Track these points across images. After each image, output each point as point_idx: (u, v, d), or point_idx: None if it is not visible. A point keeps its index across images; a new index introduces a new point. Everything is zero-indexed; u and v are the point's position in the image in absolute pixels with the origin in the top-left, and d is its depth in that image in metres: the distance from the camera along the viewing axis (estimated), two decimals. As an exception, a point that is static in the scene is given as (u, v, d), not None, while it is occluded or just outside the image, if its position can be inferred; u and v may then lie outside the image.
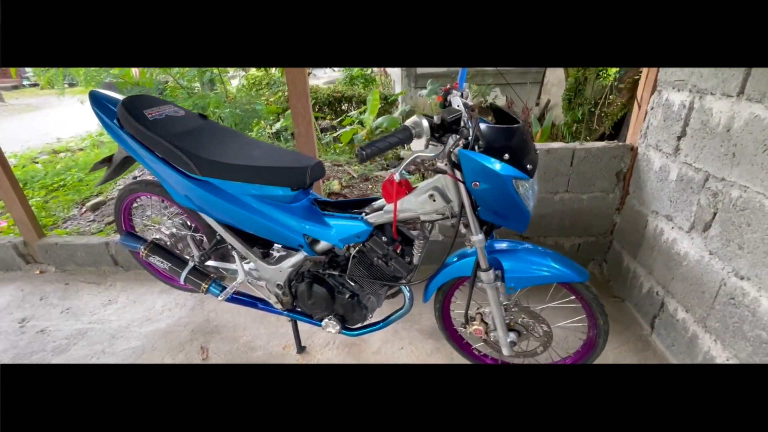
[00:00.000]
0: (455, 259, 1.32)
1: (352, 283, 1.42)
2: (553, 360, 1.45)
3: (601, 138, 4.85)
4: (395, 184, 1.22)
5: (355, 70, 8.20)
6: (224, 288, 1.58)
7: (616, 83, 4.14)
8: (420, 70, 8.38)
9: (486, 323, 1.35)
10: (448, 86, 1.27)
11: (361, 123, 5.00)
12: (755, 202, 1.18)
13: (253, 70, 6.93)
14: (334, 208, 1.43)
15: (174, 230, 1.74)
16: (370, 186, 3.16)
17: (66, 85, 4.53)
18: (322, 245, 1.39)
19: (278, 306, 1.56)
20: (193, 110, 2.01)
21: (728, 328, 1.28)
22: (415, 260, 1.32)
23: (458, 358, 1.61)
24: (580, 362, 1.36)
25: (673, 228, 1.56)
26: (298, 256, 1.43)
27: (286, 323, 1.88)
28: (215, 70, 6.01)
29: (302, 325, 1.72)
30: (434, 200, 1.21)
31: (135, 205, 1.91)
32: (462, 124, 1.08)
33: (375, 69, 8.29)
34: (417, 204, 1.24)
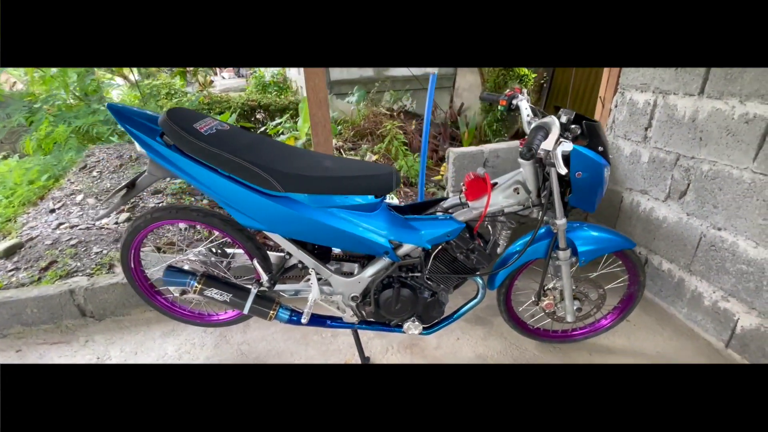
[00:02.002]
0: (522, 247, 1.47)
1: (430, 282, 1.47)
2: (597, 319, 1.71)
3: (516, 134, 5.61)
4: (489, 181, 1.33)
5: (269, 78, 7.87)
6: (291, 311, 1.47)
7: (523, 85, 4.85)
8: (336, 77, 8.43)
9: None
10: (510, 91, 1.43)
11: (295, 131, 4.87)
12: (724, 172, 1.60)
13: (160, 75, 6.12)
14: (402, 212, 1.47)
15: (204, 258, 1.54)
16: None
17: None
18: (404, 249, 1.42)
19: (353, 319, 1.52)
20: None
21: (711, 268, 1.70)
22: (499, 250, 1.44)
23: (511, 337, 1.78)
24: (623, 314, 1.65)
25: (648, 199, 1.98)
26: (380, 264, 1.43)
27: (333, 339, 1.82)
28: (102, 77, 5.22)
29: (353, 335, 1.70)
30: (518, 192, 1.36)
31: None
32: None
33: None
34: (502, 197, 1.37)
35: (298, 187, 1.26)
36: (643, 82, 1.93)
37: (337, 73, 8.33)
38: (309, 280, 1.44)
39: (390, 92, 6.90)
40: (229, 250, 1.60)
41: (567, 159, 1.26)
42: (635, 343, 1.75)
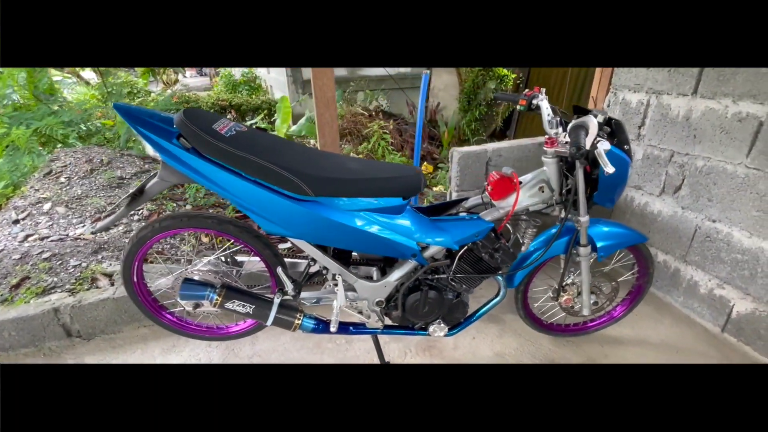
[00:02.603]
0: (544, 245, 1.49)
1: (454, 283, 1.46)
2: (608, 311, 1.77)
3: (493, 133, 5.75)
4: (517, 180, 1.34)
5: (239, 77, 7.60)
6: (316, 319, 1.41)
7: (504, 87, 4.98)
8: (307, 76, 8.31)
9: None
10: (530, 91, 1.44)
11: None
12: (719, 168, 1.71)
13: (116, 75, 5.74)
14: (426, 213, 1.45)
15: (214, 268, 1.45)
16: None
17: None
18: (430, 251, 1.40)
19: (378, 324, 1.48)
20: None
21: (707, 258, 1.81)
22: (523, 248, 1.46)
23: (525, 334, 1.81)
24: (632, 305, 1.72)
25: (643, 195, 2.08)
26: (407, 267, 1.40)
27: (348, 345, 1.77)
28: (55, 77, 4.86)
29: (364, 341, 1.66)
30: (543, 191, 1.38)
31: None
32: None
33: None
34: (527, 196, 1.38)
35: (328, 191, 1.21)
36: (636, 83, 2.02)
37: (309, 73, 8.18)
38: (334, 286, 1.39)
39: (366, 92, 6.88)
40: (240, 258, 1.52)
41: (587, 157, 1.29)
42: (640, 332, 1.83)
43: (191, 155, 1.15)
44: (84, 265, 2.22)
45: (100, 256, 2.30)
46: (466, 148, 2.13)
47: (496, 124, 5.46)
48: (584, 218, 1.37)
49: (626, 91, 2.09)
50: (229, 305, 1.29)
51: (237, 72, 8.15)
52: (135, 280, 1.44)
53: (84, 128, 3.90)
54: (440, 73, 6.87)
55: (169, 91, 7.63)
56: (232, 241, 1.43)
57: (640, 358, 1.68)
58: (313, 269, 1.45)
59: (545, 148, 1.35)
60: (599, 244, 1.46)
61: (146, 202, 1.35)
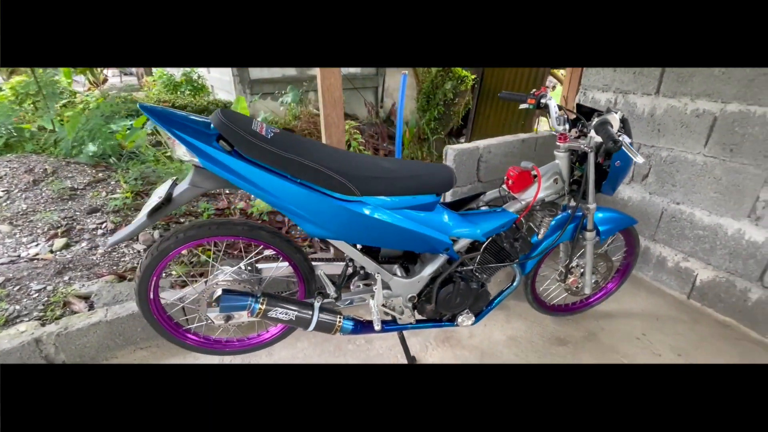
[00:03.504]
0: (554, 232, 1.62)
1: (477, 274, 1.54)
2: (601, 287, 1.96)
3: (451, 132, 5.99)
4: (539, 173, 1.44)
5: (180, 76, 7.07)
6: (354, 320, 1.40)
7: (463, 87, 5.21)
8: (256, 76, 8.02)
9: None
10: (538, 91, 1.56)
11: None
12: (681, 157, 1.97)
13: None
14: (449, 207, 1.51)
15: (236, 276, 1.38)
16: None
17: None
18: (460, 244, 1.46)
19: (410, 320, 1.51)
20: None
21: (673, 235, 2.08)
22: (540, 236, 1.57)
23: (530, 317, 1.95)
24: (622, 280, 1.93)
25: (613, 183, 2.33)
26: (438, 261, 1.44)
27: (369, 345, 1.77)
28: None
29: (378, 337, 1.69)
30: (557, 182, 1.50)
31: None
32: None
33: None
34: (543, 188, 1.49)
35: (372, 190, 1.21)
36: (605, 84, 2.26)
37: (257, 72, 7.87)
38: (365, 286, 1.40)
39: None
40: (259, 266, 1.46)
41: (599, 150, 1.43)
42: (623, 305, 2.06)
43: (233, 158, 1.09)
44: (50, 288, 1.98)
45: (66, 278, 2.06)
46: (459, 146, 2.22)
47: (454, 123, 5.70)
48: (592, 205, 1.51)
49: (595, 91, 2.32)
50: (272, 313, 1.24)
51: (177, 71, 7.58)
52: (151, 296, 1.32)
53: (4, 132, 3.39)
54: (393, 73, 6.99)
55: (97, 91, 6.89)
56: (261, 247, 1.37)
57: (629, 327, 1.89)
58: (349, 271, 1.43)
59: (558, 143, 1.48)
60: (601, 228, 1.62)
61: (174, 210, 1.24)
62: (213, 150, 1.07)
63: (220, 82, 8.83)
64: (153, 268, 1.27)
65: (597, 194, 1.51)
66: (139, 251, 2.33)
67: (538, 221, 1.56)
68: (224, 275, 1.35)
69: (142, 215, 1.16)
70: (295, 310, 1.28)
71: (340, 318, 1.36)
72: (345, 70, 7.35)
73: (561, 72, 5.52)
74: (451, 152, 2.21)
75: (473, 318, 1.56)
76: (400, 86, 2.85)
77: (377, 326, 1.39)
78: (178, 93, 6.86)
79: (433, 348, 1.77)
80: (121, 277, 2.10)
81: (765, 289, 1.78)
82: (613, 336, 1.85)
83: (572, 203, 1.56)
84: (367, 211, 1.21)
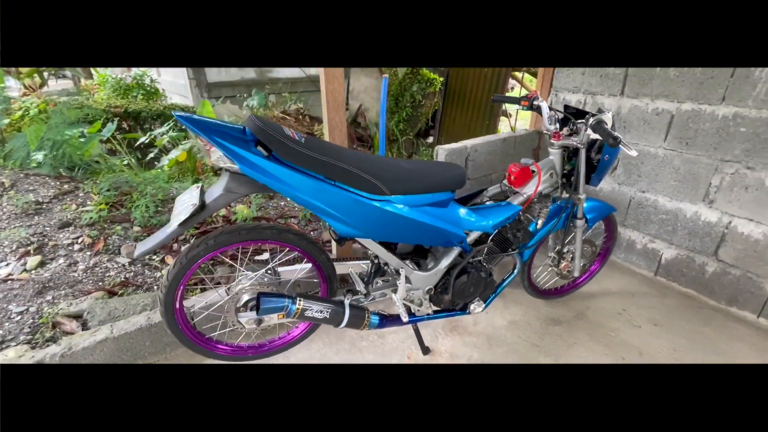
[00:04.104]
0: (549, 222, 1.77)
1: (485, 263, 1.66)
2: (586, 270, 2.16)
3: (419, 132, 6.15)
4: (539, 169, 1.58)
5: (131, 80, 6.66)
6: (380, 315, 1.46)
7: (431, 89, 5.39)
8: (213, 78, 7.78)
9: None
10: (531, 94, 1.71)
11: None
12: (644, 151, 2.22)
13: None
14: (457, 203, 1.62)
15: (259, 280, 1.39)
16: (283, 203, 3.01)
17: None
18: (471, 237, 1.56)
19: (428, 311, 1.59)
20: None
21: (640, 220, 2.34)
22: (539, 225, 1.71)
23: (524, 302, 2.10)
24: (603, 261, 2.13)
25: (585, 176, 2.56)
26: (453, 254, 1.54)
27: (381, 340, 1.83)
28: None
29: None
30: (552, 176, 1.65)
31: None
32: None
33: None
34: (541, 181, 1.64)
35: (400, 189, 1.28)
36: (575, 86, 2.48)
37: (215, 75, 7.61)
38: (383, 282, 1.47)
39: (285, 94, 6.72)
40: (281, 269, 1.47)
41: (593, 145, 1.60)
42: (603, 285, 2.28)
43: (272, 163, 1.11)
44: (33, 309, 1.85)
45: (49, 297, 1.93)
46: (450, 146, 2.34)
47: (422, 125, 5.87)
48: (583, 196, 1.68)
49: (566, 93, 2.54)
50: (308, 313, 1.27)
51: (119, 71, 7.12)
52: (177, 306, 1.30)
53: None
54: (358, 75, 7.04)
55: (35, 98, 6.30)
56: (287, 249, 1.39)
57: (611, 304, 2.11)
58: (373, 268, 1.49)
59: (552, 141, 1.63)
60: (588, 216, 1.80)
61: (208, 217, 1.22)
62: (253, 156, 1.09)
63: (173, 86, 8.41)
64: (181, 277, 1.25)
65: (598, 185, 1.69)
66: (123, 265, 2.22)
67: (536, 212, 1.70)
68: (249, 279, 1.36)
69: (173, 224, 1.14)
70: (329, 308, 1.31)
71: (368, 313, 1.42)
72: (311, 71, 7.29)
73: (521, 74, 5.88)
74: (443, 152, 2.33)
75: (483, 305, 1.68)
76: (382, 88, 2.94)
77: (405, 318, 1.46)
78: (129, 97, 6.46)
79: (443, 337, 1.87)
80: (111, 293, 2.00)
81: (719, 262, 2.07)
82: (599, 313, 2.05)
83: (564, 194, 1.72)
84: (395, 210, 1.28)
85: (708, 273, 2.12)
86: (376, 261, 1.48)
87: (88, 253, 2.25)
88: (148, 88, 6.83)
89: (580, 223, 1.77)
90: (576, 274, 1.91)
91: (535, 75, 5.79)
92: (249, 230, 1.27)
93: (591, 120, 1.46)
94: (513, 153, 2.66)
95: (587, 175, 1.68)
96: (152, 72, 7.46)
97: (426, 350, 1.76)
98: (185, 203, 1.16)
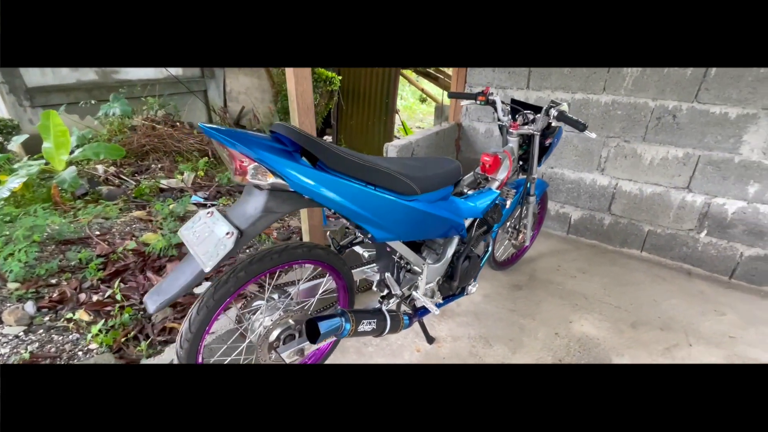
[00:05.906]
0: (514, 202, 2.01)
1: (473, 246, 1.81)
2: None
3: (316, 129, 6.02)
4: (509, 155, 1.79)
5: None
6: (407, 314, 1.45)
7: (331, 88, 5.34)
8: (34, 82, 6.28)
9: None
10: (486, 89, 1.90)
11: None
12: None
13: None
14: None
15: (284, 308, 1.25)
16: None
17: None
18: (466, 224, 1.68)
19: (439, 300, 1.65)
20: None
21: (552, 191, 2.83)
22: (507, 204, 1.93)
23: (487, 276, 2.34)
24: (539, 230, 2.51)
25: (503, 159, 2.95)
26: (455, 242, 1.63)
27: (384, 341, 1.83)
28: None
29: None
30: (514, 162, 1.88)
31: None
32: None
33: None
34: (512, 166, 1.85)
35: (425, 188, 1.31)
36: (487, 81, 2.82)
37: (38, 78, 6.12)
38: (397, 278, 1.48)
39: (146, 98, 5.82)
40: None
41: (547, 131, 1.88)
42: (538, 249, 2.69)
43: (321, 173, 1.01)
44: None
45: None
46: (398, 142, 2.42)
47: (318, 124, 5.76)
48: (535, 176, 1.97)
49: (479, 87, 2.87)
50: (361, 327, 1.19)
51: None
52: (200, 360, 1.07)
53: None
54: (236, 75, 6.50)
55: None
56: (313, 267, 1.26)
57: (548, 263, 2.52)
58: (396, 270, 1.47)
59: (511, 131, 1.85)
60: (536, 192, 2.11)
61: (245, 245, 1.01)
62: (304, 168, 0.97)
63: (-31, 93, 6.41)
64: (207, 323, 1.03)
65: (541, 166, 1.97)
66: (17, 336, 1.67)
67: (505, 194, 1.92)
68: (275, 310, 1.20)
69: (206, 263, 0.93)
70: (374, 319, 1.26)
71: (401, 315, 1.40)
72: (169, 70, 6.36)
73: (409, 72, 6.27)
74: (392, 148, 2.39)
75: (476, 284, 1.82)
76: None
77: (436, 310, 1.49)
78: None
79: (437, 324, 1.96)
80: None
81: (612, 215, 2.66)
82: (544, 272, 2.43)
83: (521, 176, 1.98)
84: (422, 207, 1.30)
85: (605, 225, 2.71)
86: (400, 262, 1.47)
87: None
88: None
89: (532, 199, 2.06)
90: (527, 243, 2.22)
91: (425, 75, 6.23)
92: (280, 253, 1.12)
93: (553, 111, 1.72)
94: (442, 144, 2.89)
95: (539, 157, 1.96)
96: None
97: (431, 339, 1.83)
98: (213, 234, 0.96)
